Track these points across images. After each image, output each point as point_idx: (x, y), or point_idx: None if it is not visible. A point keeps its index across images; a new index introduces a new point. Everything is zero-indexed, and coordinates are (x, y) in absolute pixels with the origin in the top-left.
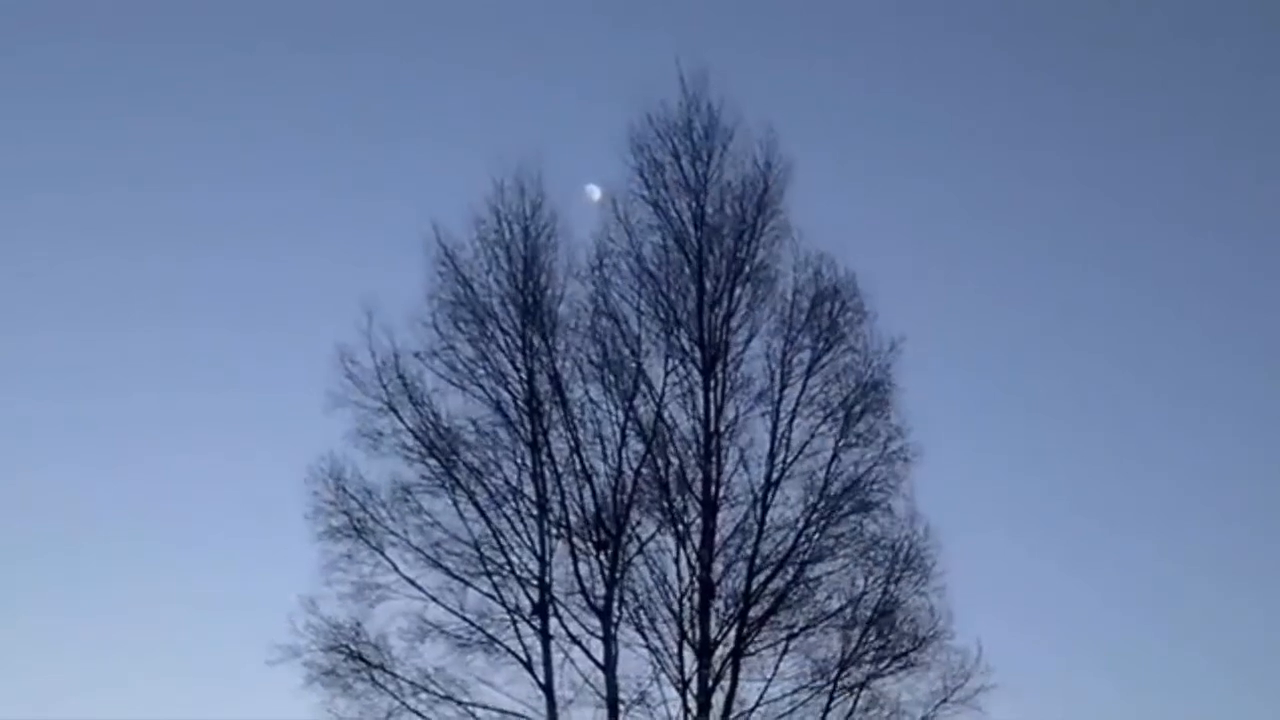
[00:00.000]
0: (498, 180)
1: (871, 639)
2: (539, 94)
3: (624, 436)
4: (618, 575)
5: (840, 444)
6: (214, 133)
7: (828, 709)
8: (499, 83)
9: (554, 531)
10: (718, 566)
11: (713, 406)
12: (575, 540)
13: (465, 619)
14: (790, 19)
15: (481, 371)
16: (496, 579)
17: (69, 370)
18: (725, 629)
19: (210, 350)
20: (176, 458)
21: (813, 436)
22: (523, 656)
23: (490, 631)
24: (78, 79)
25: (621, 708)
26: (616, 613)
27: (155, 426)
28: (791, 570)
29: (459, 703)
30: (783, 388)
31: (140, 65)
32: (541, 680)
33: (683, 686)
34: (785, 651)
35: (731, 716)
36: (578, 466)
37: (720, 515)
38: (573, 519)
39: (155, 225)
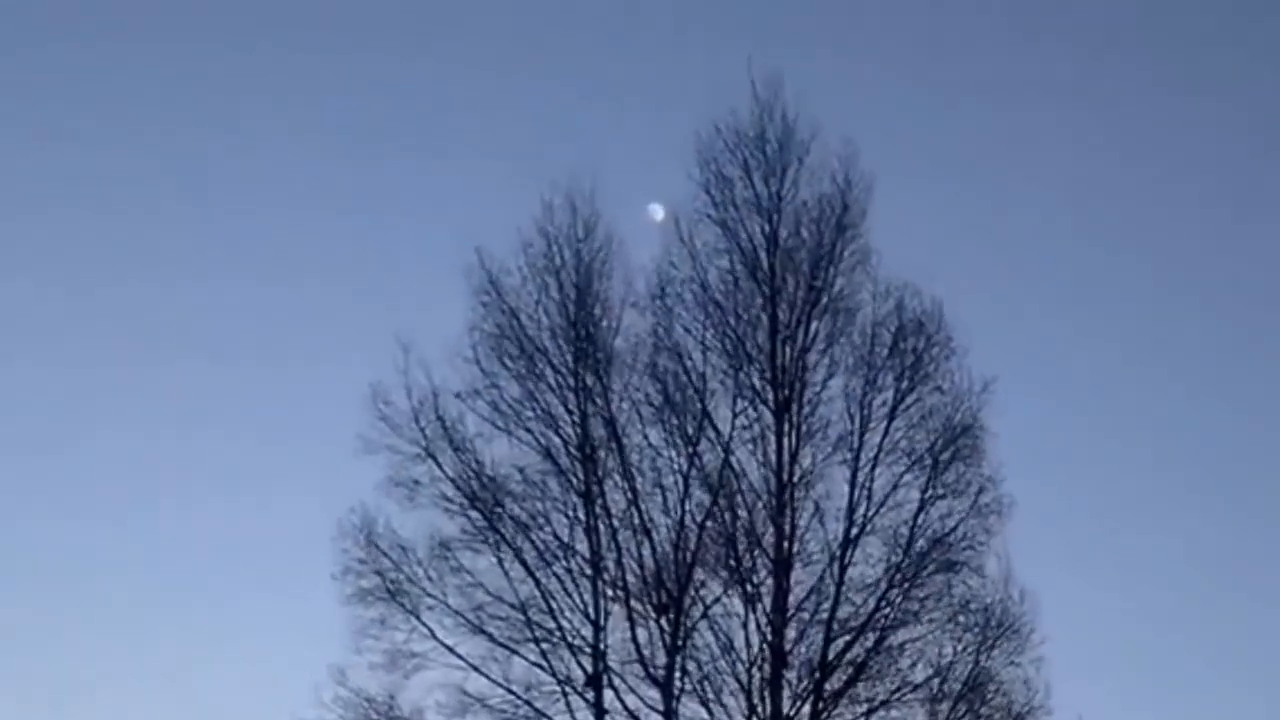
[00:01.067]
0: (547, 199)
1: (961, 714)
2: (593, 102)
3: (687, 486)
4: (679, 642)
5: (926, 495)
6: (229, 146)
7: None
8: (548, 90)
9: (609, 593)
10: (790, 633)
11: (786, 453)
12: (633, 603)
13: (510, 691)
14: (868, 22)
15: (529, 413)
16: (545, 646)
17: (69, 406)
18: (799, 703)
19: (228, 388)
20: (191, 507)
21: (896, 487)
22: None
23: (538, 705)
24: (99, 90)
25: None
26: (678, 684)
27: (167, 473)
28: (872, 637)
29: None
30: (863, 432)
31: (161, 75)
32: None
33: None
34: None
35: None
36: (636, 520)
37: (793, 575)
38: (630, 579)
39: (165, 249)
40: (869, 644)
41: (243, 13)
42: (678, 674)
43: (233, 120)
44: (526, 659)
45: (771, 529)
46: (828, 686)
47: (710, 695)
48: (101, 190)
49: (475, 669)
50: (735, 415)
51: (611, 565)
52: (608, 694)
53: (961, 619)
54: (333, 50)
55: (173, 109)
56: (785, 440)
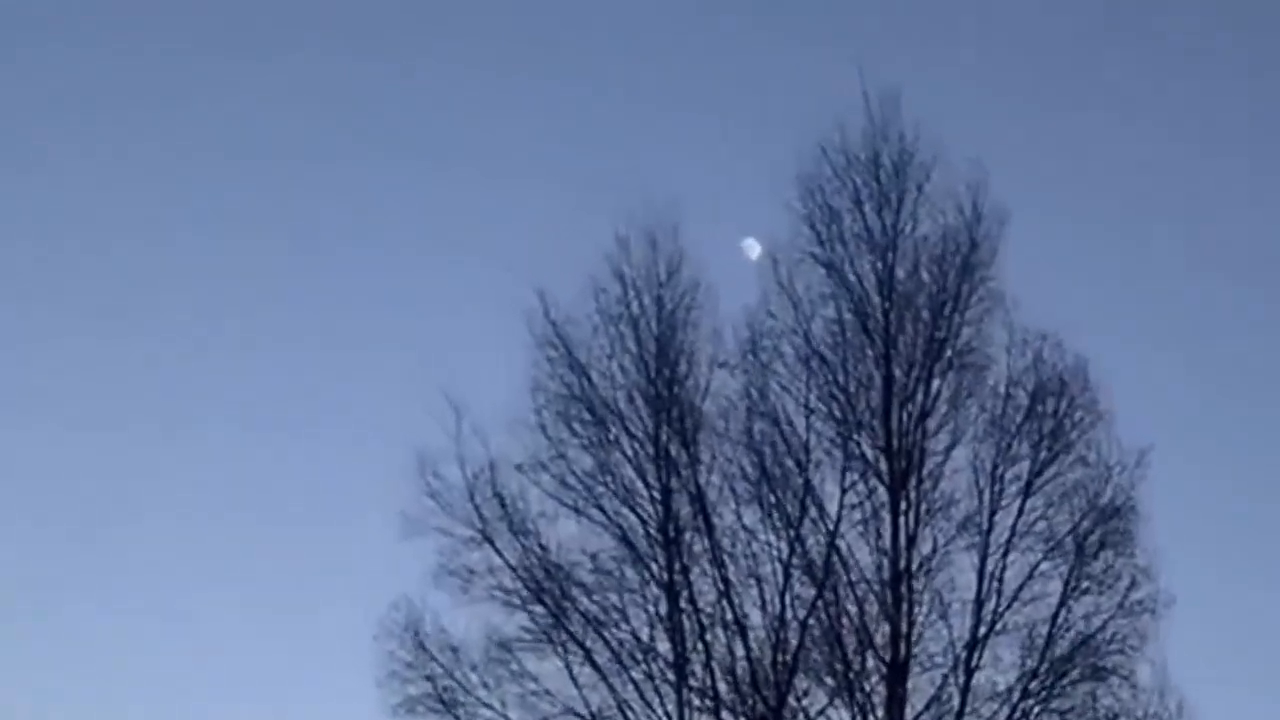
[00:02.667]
0: (622, 234)
1: None
2: (675, 120)
3: (787, 576)
4: None
5: (1068, 588)
6: (258, 175)
7: None
8: (622, 107)
9: (695, 702)
10: None
11: (903, 536)
12: (723, 714)
13: None
14: (996, 30)
15: (602, 489)
16: None
17: (92, 484)
18: None
19: (252, 460)
20: (215, 604)
21: (1032, 578)
22: None
23: None
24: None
25: None
26: None
27: (182, 565)
28: None
29: None
30: (993, 512)
31: (190, 105)
32: None
33: None
34: None
35: None
36: (727, 616)
37: (911, 681)
38: (720, 685)
39: (181, 301)
40: None
41: (280, 23)
42: None
43: (264, 142)
44: None
45: (886, 627)
46: None
47: None
48: (130, 239)
49: None
50: (844, 491)
51: (698, 669)
52: None
53: None
54: (376, 59)
55: (203, 147)
56: (902, 521)
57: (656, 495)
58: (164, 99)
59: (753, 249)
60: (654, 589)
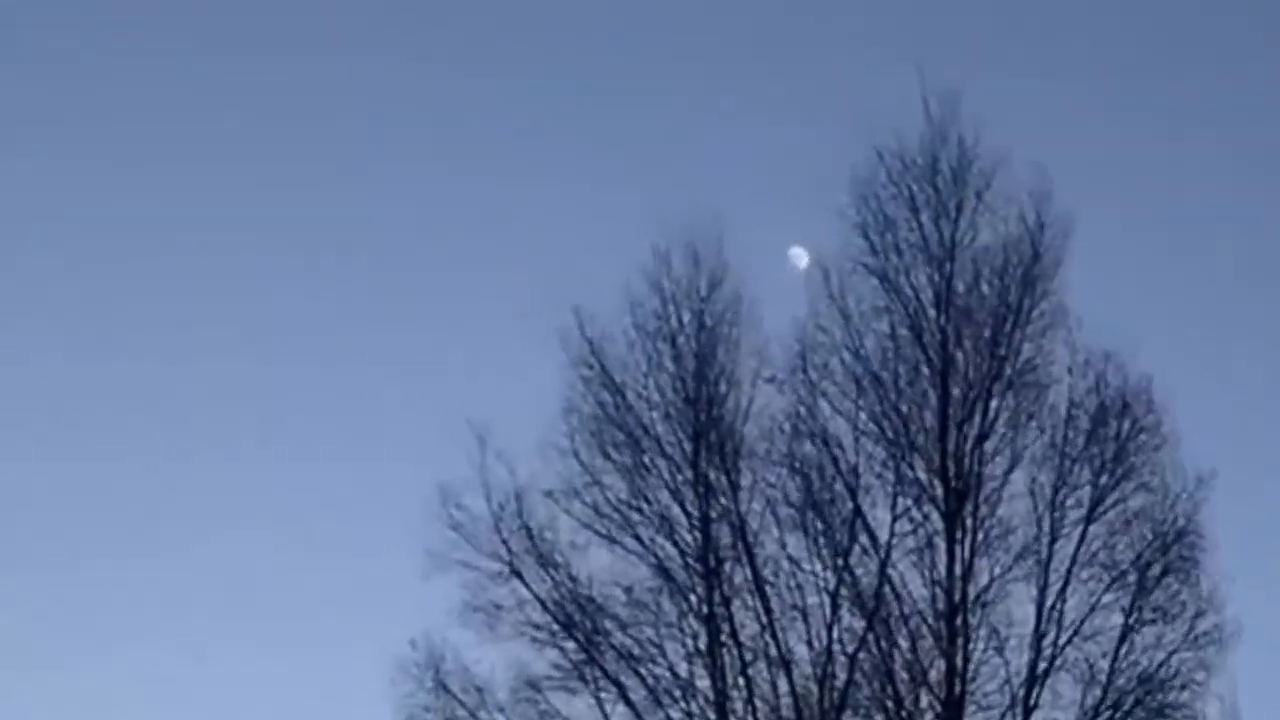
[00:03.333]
0: (661, 246)
1: None
2: (718, 122)
3: (835, 608)
4: None
5: (1131, 621)
6: (272, 188)
7: None
8: (660, 108)
9: None
10: None
11: (958, 566)
12: None
13: None
14: (1061, 28)
15: (637, 517)
16: None
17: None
18: None
19: (265, 491)
20: (227, 641)
21: (1093, 610)
22: None
23: None
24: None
25: None
26: None
27: (193, 602)
28: None
29: None
30: (1053, 540)
31: (223, 126)
32: None
33: None
34: None
35: None
36: (770, 650)
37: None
38: None
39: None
40: None
41: (316, 25)
42: None
43: (286, 153)
44: None
45: (940, 662)
46: None
47: None
48: (150, 260)
49: None
50: (895, 518)
51: (740, 706)
52: None
53: None
54: (408, 62)
55: (227, 160)
56: (957, 550)
57: (695, 523)
58: (200, 112)
59: (800, 259)
60: (693, 622)
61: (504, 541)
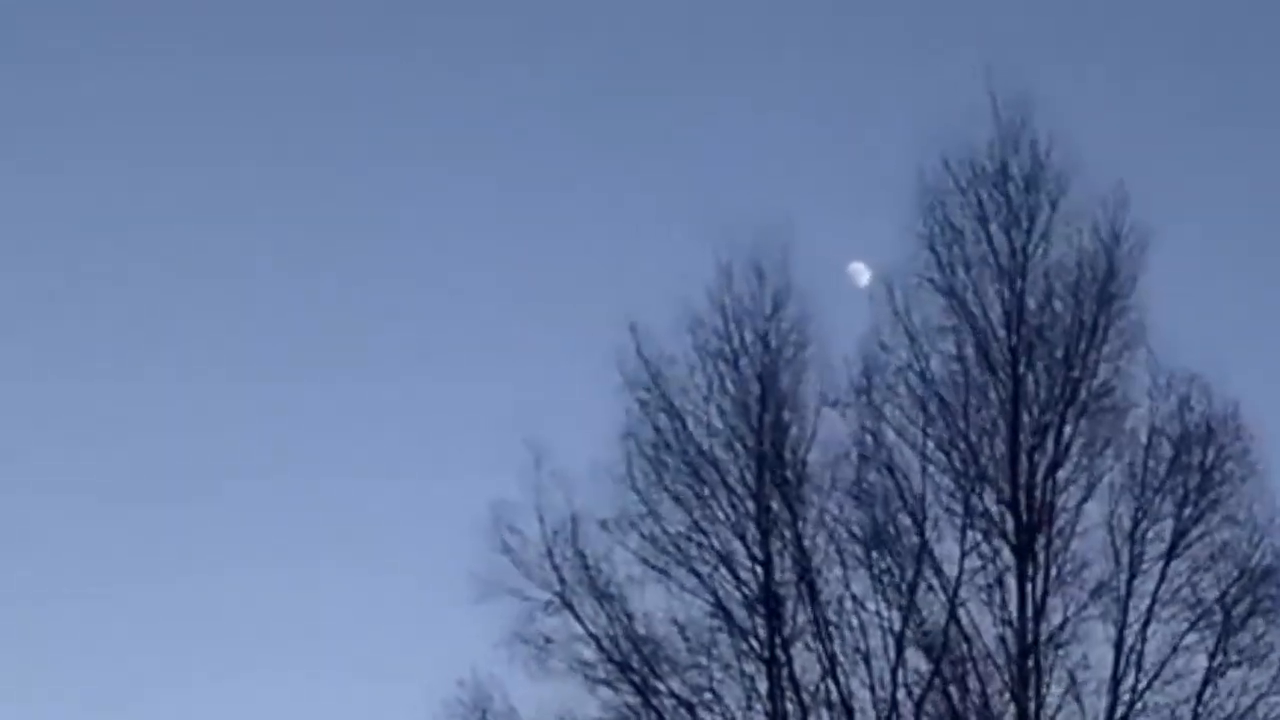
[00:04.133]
0: (723, 261)
1: None
2: (780, 127)
3: (900, 649)
4: None
5: (1215, 663)
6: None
7: None
8: (719, 111)
9: None
10: None
11: (1031, 604)
12: None
13: None
14: (1142, 24)
15: (696, 550)
16: None
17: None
18: None
19: (307, 511)
20: (263, 668)
21: (1175, 651)
22: None
23: None
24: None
25: None
26: None
27: (228, 633)
28: None
29: None
30: (1131, 577)
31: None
32: None
33: None
34: None
35: None
36: (833, 695)
37: None
38: None
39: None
40: None
41: (361, 36)
42: None
43: (327, 170)
44: None
45: (1012, 707)
46: None
47: None
48: (198, 271)
49: None
50: (964, 553)
51: None
52: None
53: None
54: (449, 71)
55: (269, 183)
56: (1029, 587)
57: (757, 557)
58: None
59: (860, 275)
60: (752, 664)
61: (556, 569)
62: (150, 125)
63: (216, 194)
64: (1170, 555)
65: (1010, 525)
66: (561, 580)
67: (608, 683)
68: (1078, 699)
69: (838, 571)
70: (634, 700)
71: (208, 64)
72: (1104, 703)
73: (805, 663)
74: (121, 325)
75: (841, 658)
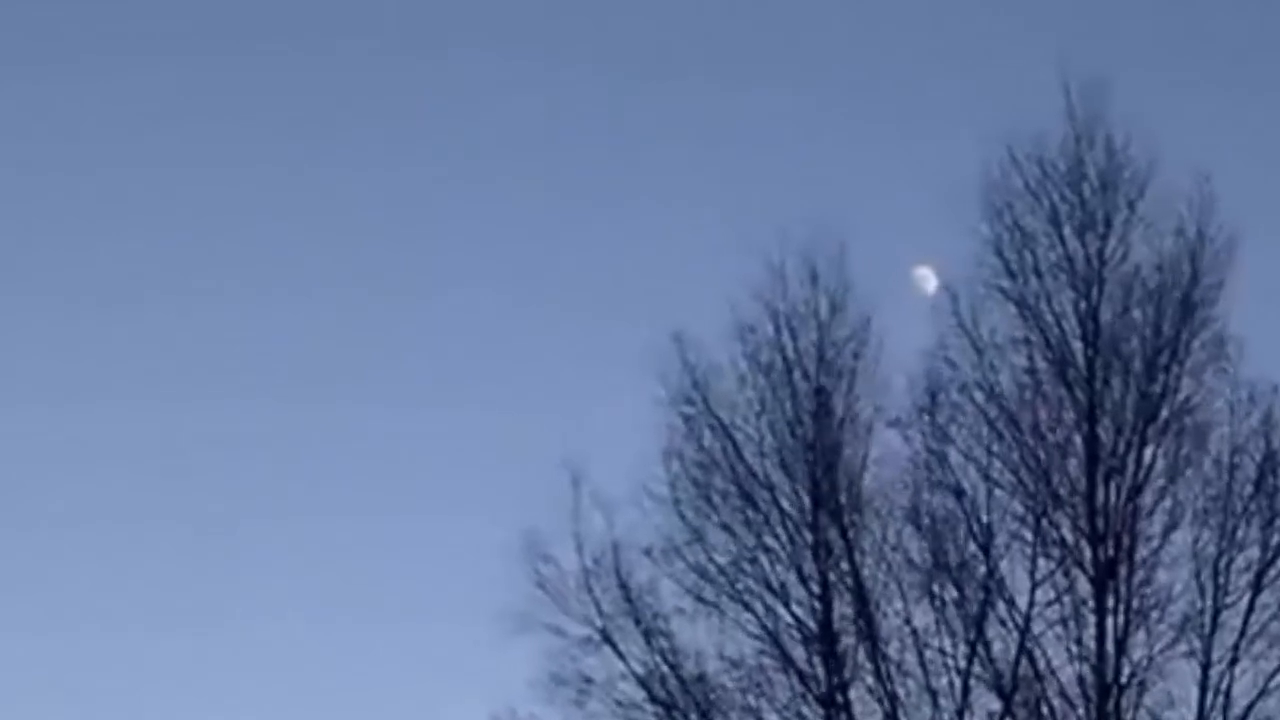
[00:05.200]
0: (776, 262)
1: None
2: (838, 125)
3: (967, 689)
4: None
5: None
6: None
7: None
8: (773, 105)
9: None
10: None
11: (1110, 640)
12: None
13: None
14: (1224, 20)
15: (747, 581)
16: None
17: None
18: None
19: (331, 540)
20: (291, 711)
21: (1264, 691)
22: None
23: None
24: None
25: None
26: None
27: (257, 669)
28: None
29: None
30: (1217, 611)
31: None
32: None
33: None
34: None
35: None
36: None
37: None
38: None
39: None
40: None
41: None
42: None
43: (363, 187)
44: None
45: None
46: None
47: None
48: (228, 298)
49: None
50: (1036, 584)
51: None
52: None
53: None
54: (484, 75)
55: (303, 208)
56: (1109, 621)
57: (814, 588)
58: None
59: (926, 280)
60: (809, 705)
61: (595, 602)
62: (177, 134)
63: (251, 215)
64: (1257, 587)
65: (1087, 555)
66: (601, 614)
67: None
68: None
69: (899, 604)
70: None
71: (240, 72)
72: None
73: (865, 703)
74: (157, 350)
75: (904, 698)
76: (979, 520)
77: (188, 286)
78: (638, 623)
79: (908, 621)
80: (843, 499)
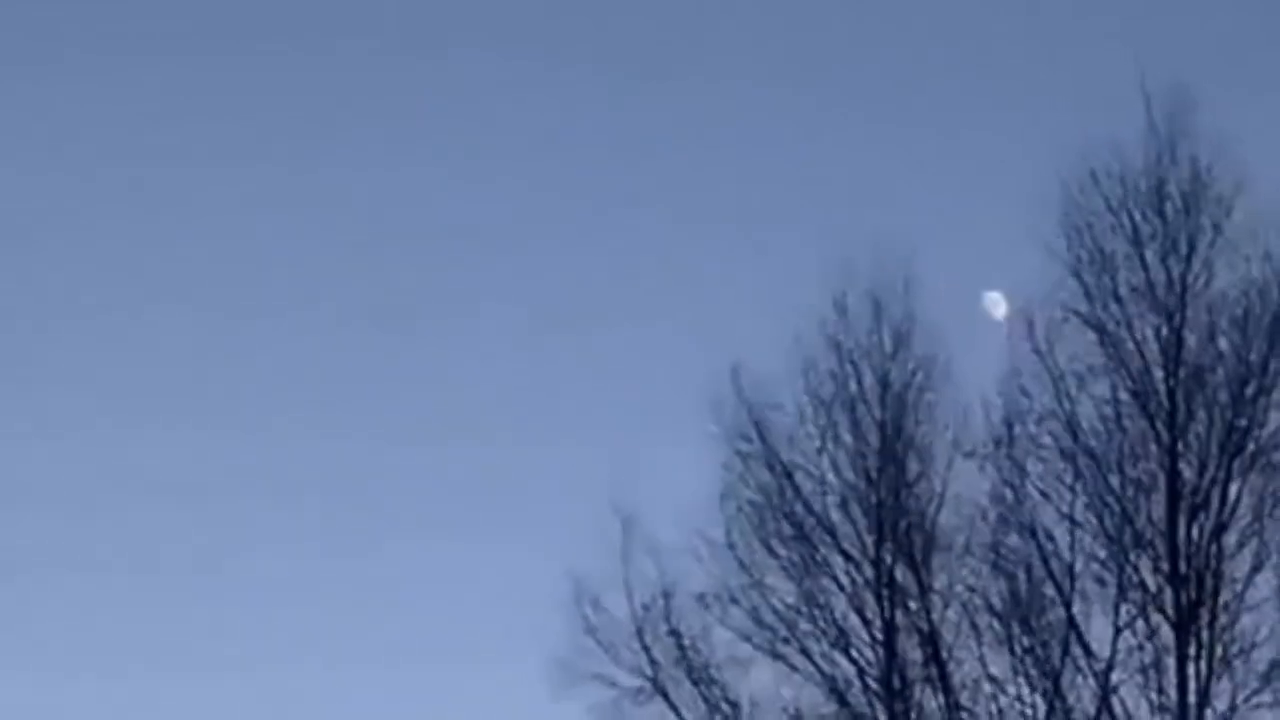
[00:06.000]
0: (838, 292)
1: None
2: (903, 141)
3: None
4: None
5: None
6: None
7: None
8: (837, 127)
9: None
10: None
11: (1193, 688)
12: None
13: None
14: None
15: (808, 626)
16: None
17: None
18: None
19: (370, 581)
20: None
21: None
22: None
23: None
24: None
25: None
26: None
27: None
28: None
29: None
30: None
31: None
32: None
33: None
34: None
35: None
36: None
37: None
38: None
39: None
40: None
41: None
42: None
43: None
44: None
45: None
46: None
47: None
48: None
49: None
50: (1118, 630)
51: None
52: None
53: None
54: (538, 100)
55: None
56: (1193, 668)
57: (878, 635)
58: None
59: (997, 305)
60: None
61: (647, 651)
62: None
63: (251, 215)
64: None
65: (1169, 598)
66: (653, 663)
67: None
68: None
69: (973, 650)
70: None
71: (240, 72)
72: None
73: None
74: (185, 381)
75: None
76: (1059, 561)
77: (188, 295)
78: (691, 673)
79: (984, 667)
80: (914, 537)
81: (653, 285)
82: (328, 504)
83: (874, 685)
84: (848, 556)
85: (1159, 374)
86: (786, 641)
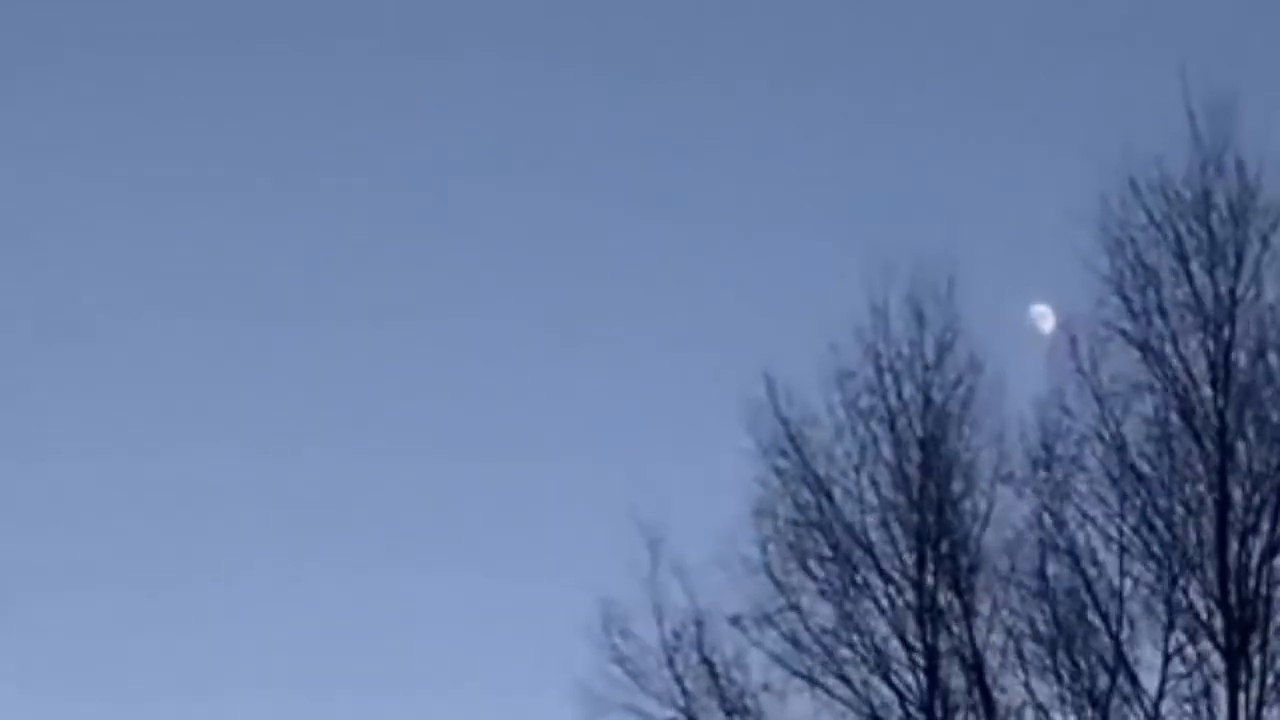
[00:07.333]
0: (878, 301)
1: None
2: (945, 150)
3: None
4: None
5: None
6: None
7: None
8: (875, 134)
9: None
10: None
11: (1244, 717)
12: None
13: None
14: None
15: (846, 651)
16: None
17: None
18: None
19: (397, 598)
20: None
21: None
22: None
23: None
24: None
25: None
26: None
27: None
28: None
29: None
30: None
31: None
32: None
33: None
34: None
35: None
36: None
37: None
38: None
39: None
40: None
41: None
42: None
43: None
44: None
45: None
46: None
47: None
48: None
49: None
50: (1167, 658)
51: None
52: None
53: None
54: (572, 104)
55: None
56: (1243, 696)
57: (919, 660)
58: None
59: (1043, 319)
60: None
61: (678, 680)
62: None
63: (252, 215)
64: None
65: (1219, 624)
66: (685, 693)
67: None
68: None
69: (1018, 677)
70: None
71: (240, 72)
72: None
73: None
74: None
75: None
76: (1105, 586)
77: (189, 296)
78: (724, 702)
79: (1030, 695)
80: (958, 558)
81: (677, 290)
82: (349, 527)
83: (915, 713)
84: (888, 578)
85: (1207, 392)
86: (824, 666)
